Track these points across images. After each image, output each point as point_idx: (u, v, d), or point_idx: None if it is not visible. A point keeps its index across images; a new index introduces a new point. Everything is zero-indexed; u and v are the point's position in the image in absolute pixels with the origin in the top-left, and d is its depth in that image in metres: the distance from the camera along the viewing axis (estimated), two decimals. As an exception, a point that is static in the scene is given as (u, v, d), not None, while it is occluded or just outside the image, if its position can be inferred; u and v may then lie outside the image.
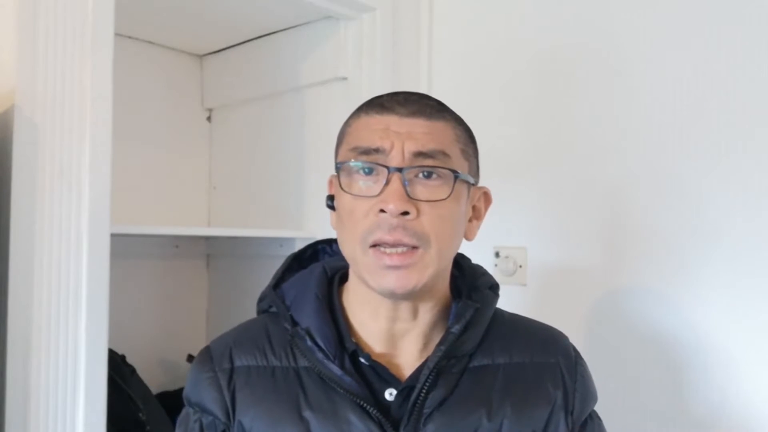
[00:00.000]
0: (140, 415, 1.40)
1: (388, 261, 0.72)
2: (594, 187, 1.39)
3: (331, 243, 0.90)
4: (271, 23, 1.74)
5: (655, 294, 1.31)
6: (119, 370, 1.43)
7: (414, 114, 0.75)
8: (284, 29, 1.75)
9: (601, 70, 1.39)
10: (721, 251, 1.23)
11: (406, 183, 0.72)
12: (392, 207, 0.70)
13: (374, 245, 0.72)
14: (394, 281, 0.72)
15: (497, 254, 1.51)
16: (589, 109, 1.40)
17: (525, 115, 1.51)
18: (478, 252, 0.92)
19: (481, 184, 0.83)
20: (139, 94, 1.81)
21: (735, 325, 1.21)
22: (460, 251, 0.85)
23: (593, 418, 0.85)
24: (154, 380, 1.73)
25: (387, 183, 0.72)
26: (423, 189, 0.73)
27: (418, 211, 0.72)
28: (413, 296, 0.75)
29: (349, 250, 0.76)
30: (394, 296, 0.74)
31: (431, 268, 0.73)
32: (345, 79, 1.60)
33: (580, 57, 1.42)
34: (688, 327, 1.26)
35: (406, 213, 0.71)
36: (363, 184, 0.74)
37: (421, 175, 0.73)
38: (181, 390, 1.76)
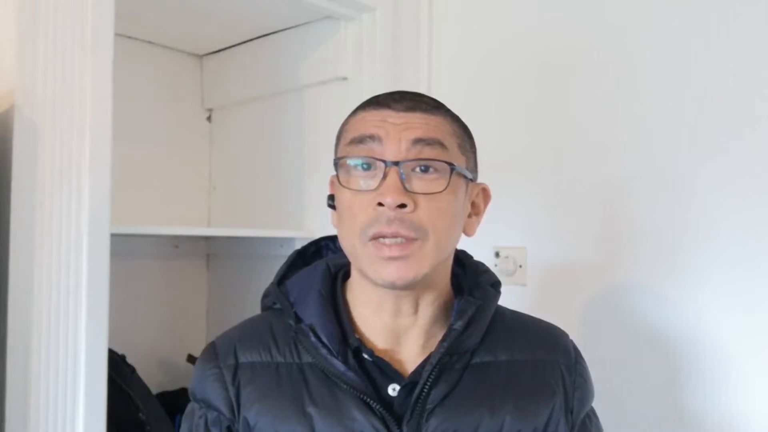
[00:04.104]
0: (140, 415, 1.40)
1: (387, 252, 0.72)
2: (593, 186, 1.39)
3: (334, 240, 0.90)
4: (271, 23, 1.74)
5: (655, 293, 1.31)
6: (119, 370, 1.43)
7: (411, 109, 0.76)
8: (284, 29, 1.75)
9: (601, 70, 1.39)
10: (719, 250, 1.23)
11: (403, 176, 0.72)
12: (390, 200, 0.71)
13: (373, 238, 0.73)
14: (394, 272, 0.72)
15: (497, 254, 1.51)
16: (588, 109, 1.41)
17: (525, 115, 1.51)
18: (478, 252, 0.92)
19: (482, 183, 0.83)
20: (139, 94, 1.80)
21: (733, 323, 1.21)
22: (462, 248, 0.85)
23: (590, 417, 0.86)
24: (154, 380, 1.73)
25: (384, 177, 0.72)
26: (420, 182, 0.73)
27: (416, 204, 0.73)
28: (413, 288, 0.76)
29: (348, 244, 0.76)
30: (395, 287, 0.74)
31: (429, 259, 0.74)
32: (345, 79, 1.60)
33: (580, 58, 1.42)
34: (687, 325, 1.26)
35: (403, 206, 0.72)
36: (361, 179, 0.75)
37: (418, 169, 0.74)
38: (181, 390, 1.78)
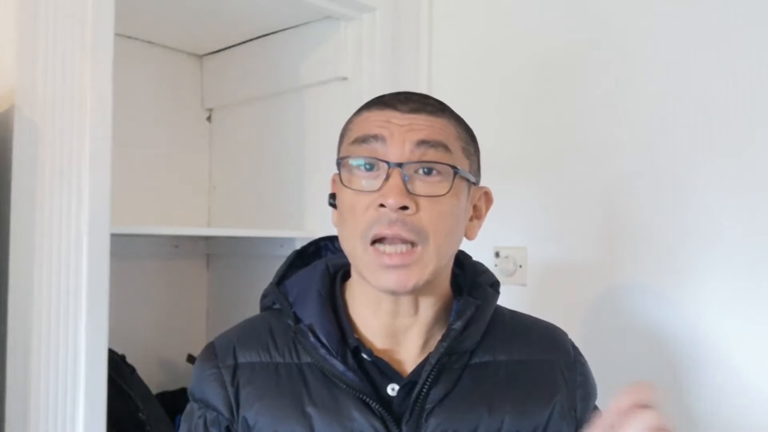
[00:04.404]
0: (140, 415, 1.40)
1: (387, 261, 0.72)
2: (593, 186, 1.39)
3: (334, 240, 0.90)
4: (271, 23, 1.74)
5: (654, 293, 1.31)
6: (119, 370, 1.43)
7: (415, 111, 0.75)
8: (284, 29, 1.75)
9: (601, 70, 1.39)
10: (719, 249, 1.23)
11: (406, 178, 0.72)
12: (392, 202, 0.71)
13: (374, 242, 0.73)
14: (394, 281, 0.73)
15: (497, 254, 1.51)
16: (588, 109, 1.41)
17: (525, 115, 1.51)
18: (478, 252, 0.92)
19: (481, 183, 0.83)
20: (139, 94, 1.80)
21: (732, 322, 1.21)
22: (461, 249, 0.85)
23: (598, 411, 0.85)
24: (154, 380, 1.73)
25: (387, 178, 0.72)
26: (422, 185, 0.73)
27: (418, 207, 0.72)
28: (414, 292, 0.76)
29: (349, 246, 0.76)
30: (395, 294, 0.75)
31: (430, 265, 0.74)
32: (345, 79, 1.60)
33: (580, 58, 1.42)
34: (686, 324, 1.26)
35: (405, 208, 0.72)
36: (363, 179, 0.74)
37: (421, 171, 0.74)
38: (181, 390, 1.78)
